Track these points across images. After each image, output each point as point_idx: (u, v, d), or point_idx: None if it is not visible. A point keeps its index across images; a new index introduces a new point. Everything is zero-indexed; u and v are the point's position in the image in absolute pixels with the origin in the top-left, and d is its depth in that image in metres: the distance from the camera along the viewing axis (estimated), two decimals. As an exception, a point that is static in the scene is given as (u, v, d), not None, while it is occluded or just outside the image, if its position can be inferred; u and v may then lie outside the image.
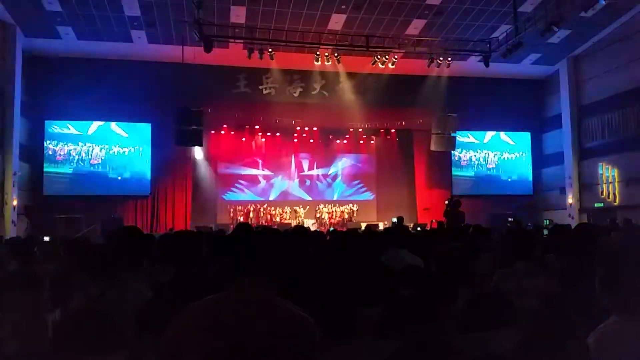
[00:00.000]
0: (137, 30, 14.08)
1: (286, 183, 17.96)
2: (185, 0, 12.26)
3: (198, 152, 16.49)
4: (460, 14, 13.80)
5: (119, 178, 15.94)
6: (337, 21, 13.96)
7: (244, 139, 17.38)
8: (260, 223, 15.99)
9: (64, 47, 14.70)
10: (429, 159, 17.74)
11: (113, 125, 16.05)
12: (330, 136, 17.96)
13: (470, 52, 15.15)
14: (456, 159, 18.22)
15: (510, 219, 15.03)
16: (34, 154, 15.05)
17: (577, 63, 17.11)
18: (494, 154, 18.77)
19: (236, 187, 17.56)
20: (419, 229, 12.63)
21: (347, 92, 16.33)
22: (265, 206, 16.98)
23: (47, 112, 15.39)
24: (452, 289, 2.81)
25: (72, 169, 15.57)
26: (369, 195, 18.57)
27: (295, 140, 17.49)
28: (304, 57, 14.52)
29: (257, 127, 17.05)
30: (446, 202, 13.62)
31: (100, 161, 15.86)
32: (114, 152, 16.00)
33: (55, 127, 15.58)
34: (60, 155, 15.53)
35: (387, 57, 14.32)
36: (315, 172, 18.28)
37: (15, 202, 13.51)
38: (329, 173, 18.41)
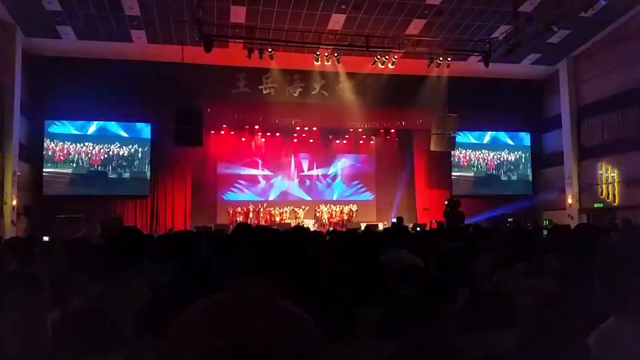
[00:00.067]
0: (136, 30, 14.07)
1: (286, 183, 17.96)
2: (185, 0, 12.26)
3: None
4: (460, 14, 13.79)
5: (119, 178, 15.94)
6: (337, 21, 13.95)
7: (243, 139, 17.37)
8: (260, 223, 15.97)
9: (64, 47, 14.68)
10: (428, 159, 17.69)
11: (113, 125, 16.04)
12: (330, 136, 17.95)
13: (470, 52, 15.13)
14: (456, 159, 18.19)
15: (510, 219, 15.04)
16: (33, 153, 15.01)
17: (577, 63, 17.08)
18: (494, 154, 18.75)
19: (236, 187, 17.55)
20: (418, 229, 12.62)
21: (346, 92, 16.30)
22: (265, 206, 16.95)
23: (47, 112, 15.37)
24: (452, 289, 2.81)
25: (72, 169, 15.55)
26: (368, 196, 18.57)
27: (295, 140, 17.48)
28: (304, 57, 14.51)
29: (256, 127, 17.02)
30: (446, 202, 13.58)
31: (100, 161, 15.84)
32: (113, 152, 15.99)
33: (55, 126, 15.57)
34: (60, 155, 15.51)
35: (387, 57, 14.31)
36: (314, 172, 18.27)
37: (15, 202, 13.49)
38: (328, 173, 18.40)
